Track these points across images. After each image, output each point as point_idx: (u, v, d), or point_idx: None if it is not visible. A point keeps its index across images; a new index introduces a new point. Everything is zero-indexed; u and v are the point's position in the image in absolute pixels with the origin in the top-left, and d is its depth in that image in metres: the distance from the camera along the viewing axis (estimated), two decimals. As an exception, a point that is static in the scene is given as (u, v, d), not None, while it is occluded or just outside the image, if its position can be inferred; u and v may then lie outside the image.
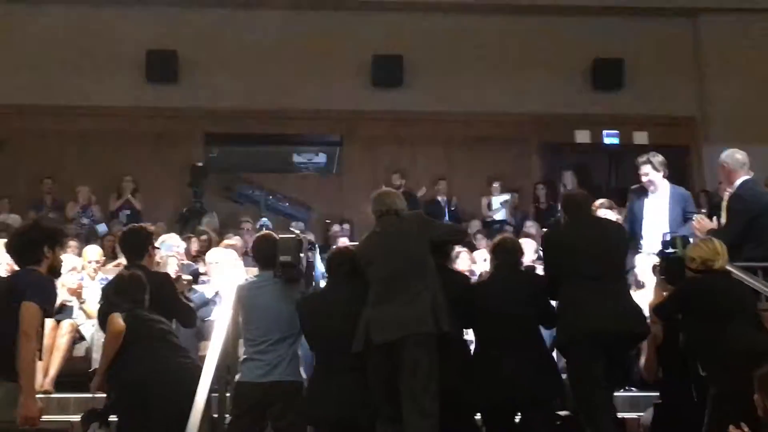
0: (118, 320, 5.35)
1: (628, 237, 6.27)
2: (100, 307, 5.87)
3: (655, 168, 7.84)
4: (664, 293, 5.81)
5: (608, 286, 5.49)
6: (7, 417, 4.48)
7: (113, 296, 5.55)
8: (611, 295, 5.47)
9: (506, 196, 13.76)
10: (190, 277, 7.37)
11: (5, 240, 8.80)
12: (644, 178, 7.88)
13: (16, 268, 6.26)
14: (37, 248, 4.86)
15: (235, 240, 9.92)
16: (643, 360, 5.89)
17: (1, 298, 4.68)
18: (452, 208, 13.77)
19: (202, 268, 8.63)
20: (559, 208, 6.60)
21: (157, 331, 5.44)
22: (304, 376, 5.62)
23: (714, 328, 5.23)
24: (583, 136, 15.03)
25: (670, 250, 5.90)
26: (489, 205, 13.79)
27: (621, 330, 5.41)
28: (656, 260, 6.33)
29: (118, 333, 5.33)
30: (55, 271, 5.03)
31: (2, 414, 4.50)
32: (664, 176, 7.91)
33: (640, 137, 14.95)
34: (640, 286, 7.31)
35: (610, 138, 15.08)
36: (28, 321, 4.56)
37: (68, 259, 8.68)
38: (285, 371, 5.49)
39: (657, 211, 7.75)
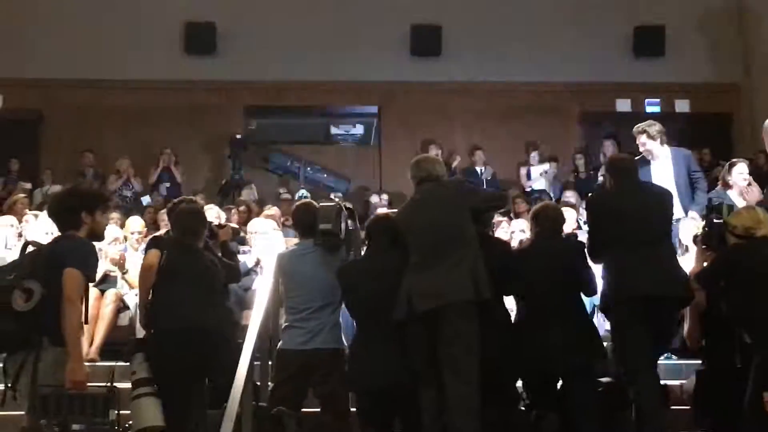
0: (150, 257, 5.47)
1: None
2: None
3: (651, 137, 7.85)
4: (705, 261, 5.75)
5: (654, 251, 5.46)
6: (56, 381, 4.54)
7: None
8: (657, 260, 5.44)
9: (546, 166, 13.66)
10: (235, 225, 7.39)
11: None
12: (642, 148, 7.91)
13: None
14: (75, 214, 4.87)
15: (274, 210, 9.96)
16: (686, 327, 5.84)
17: (43, 265, 4.71)
18: (489, 178, 13.69)
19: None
20: (603, 171, 6.55)
21: (200, 269, 5.44)
22: (345, 343, 5.65)
23: (757, 296, 5.18)
24: (624, 105, 14.89)
25: (715, 217, 5.83)
26: (528, 175, 13.69)
27: (666, 294, 5.39)
28: (699, 226, 6.27)
29: (147, 267, 5.45)
30: (96, 236, 5.01)
31: (51, 378, 4.56)
32: (662, 143, 7.87)
33: (682, 105, 14.80)
34: (685, 250, 7.26)
35: (651, 106, 14.92)
36: (71, 287, 4.60)
37: (111, 230, 8.79)
38: (326, 338, 5.52)
39: (662, 177, 7.74)
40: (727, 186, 7.68)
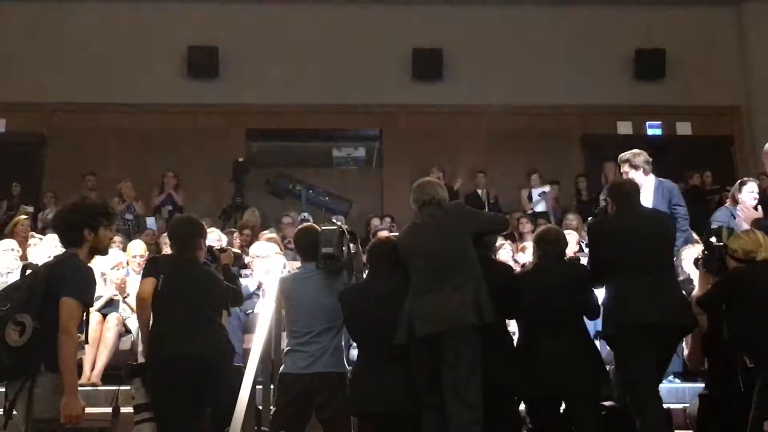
0: (143, 286, 5.35)
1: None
2: None
3: (634, 167, 7.79)
4: (707, 285, 5.74)
5: (657, 278, 5.43)
6: (53, 409, 4.46)
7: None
8: (660, 286, 5.41)
9: (545, 188, 13.67)
10: (237, 250, 7.35)
11: (51, 236, 8.97)
12: (624, 177, 7.82)
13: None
14: (77, 231, 4.81)
15: (274, 233, 9.96)
16: (687, 350, 5.83)
17: (39, 294, 4.62)
18: (491, 201, 13.69)
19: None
20: (604, 196, 6.52)
21: (198, 287, 5.35)
22: (348, 367, 5.64)
23: (758, 320, 5.18)
24: (625, 128, 14.92)
25: (715, 241, 5.82)
26: (529, 197, 13.69)
27: (669, 323, 5.34)
28: (700, 250, 6.26)
29: (141, 299, 5.34)
30: (99, 252, 4.96)
31: (49, 406, 4.47)
32: (645, 173, 7.82)
33: (684, 128, 14.82)
34: (687, 278, 7.22)
35: (652, 129, 14.98)
36: (67, 317, 4.52)
37: (113, 254, 8.80)
38: (328, 362, 5.51)
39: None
40: (736, 203, 7.64)
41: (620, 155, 7.99)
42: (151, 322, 5.31)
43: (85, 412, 4.57)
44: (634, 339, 5.33)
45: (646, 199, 7.71)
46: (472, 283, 5.14)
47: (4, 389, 4.66)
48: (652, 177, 7.89)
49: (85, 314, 4.76)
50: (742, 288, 5.35)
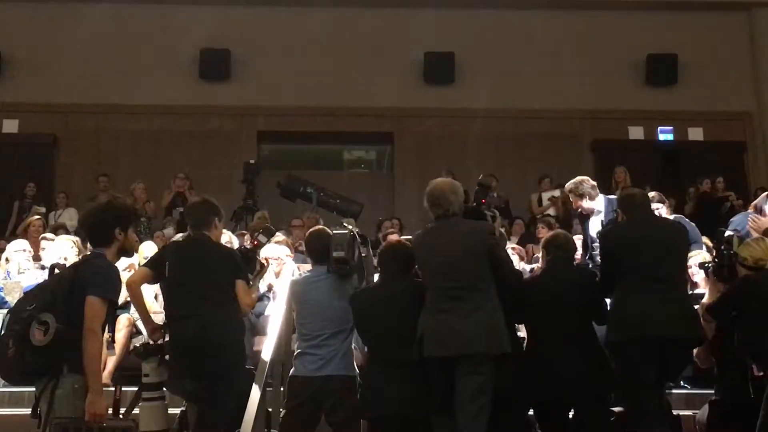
0: (134, 276, 5.56)
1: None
2: None
3: (579, 195, 7.81)
4: (717, 293, 5.73)
5: (666, 288, 5.38)
6: (74, 409, 4.50)
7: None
8: (669, 297, 5.36)
9: (555, 192, 13.63)
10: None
11: (63, 237, 9.01)
12: (579, 209, 7.80)
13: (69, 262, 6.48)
14: (109, 230, 4.86)
15: (282, 237, 9.95)
16: (696, 350, 5.81)
17: (64, 292, 4.67)
18: (502, 206, 13.65)
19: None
20: (616, 206, 6.48)
21: (207, 265, 5.44)
22: (357, 370, 5.65)
23: (767, 328, 5.16)
24: (637, 133, 14.91)
25: (726, 249, 5.81)
26: (539, 202, 13.66)
27: (676, 335, 5.30)
28: (706, 256, 6.25)
29: (128, 284, 5.45)
30: (127, 252, 5.04)
31: (70, 406, 4.52)
32: (593, 198, 7.82)
33: (695, 133, 14.81)
34: (693, 286, 7.20)
35: (664, 134, 14.96)
36: (92, 317, 4.56)
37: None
38: (338, 365, 5.53)
39: (596, 229, 7.65)
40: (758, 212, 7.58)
41: (566, 186, 7.96)
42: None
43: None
44: (634, 349, 5.28)
45: (599, 218, 7.68)
46: (488, 309, 5.05)
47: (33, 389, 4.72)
48: (600, 197, 7.86)
49: (111, 314, 4.82)
50: (751, 296, 5.35)
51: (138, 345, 5.67)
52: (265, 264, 6.26)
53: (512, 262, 6.08)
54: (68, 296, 4.64)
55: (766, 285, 5.34)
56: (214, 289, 5.36)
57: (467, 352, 4.97)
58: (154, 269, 5.50)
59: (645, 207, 5.86)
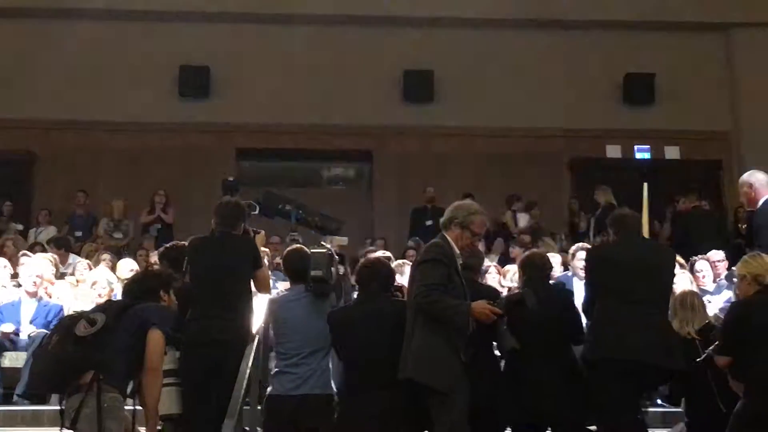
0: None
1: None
2: None
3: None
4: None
5: (647, 312, 5.35)
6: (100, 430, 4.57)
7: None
8: (647, 321, 5.32)
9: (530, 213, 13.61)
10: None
11: (40, 254, 8.98)
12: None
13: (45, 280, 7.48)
14: (155, 294, 5.18)
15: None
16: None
17: (121, 306, 4.98)
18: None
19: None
20: (606, 226, 6.42)
21: (223, 262, 5.89)
22: (335, 389, 5.65)
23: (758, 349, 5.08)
24: (614, 151, 15.00)
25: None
26: (515, 221, 13.65)
27: (653, 363, 5.26)
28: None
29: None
30: None
31: (93, 427, 4.57)
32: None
33: (672, 152, 14.91)
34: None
35: (641, 153, 15.05)
36: (155, 352, 4.84)
37: (101, 272, 8.81)
38: (316, 384, 5.53)
39: None
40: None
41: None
42: None
43: None
44: (609, 368, 5.26)
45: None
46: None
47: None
48: None
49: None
50: (744, 323, 5.20)
51: None
52: None
53: None
54: (124, 310, 4.91)
55: (760, 308, 5.22)
56: (234, 287, 5.81)
57: (433, 385, 5.01)
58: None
59: (635, 227, 5.83)
